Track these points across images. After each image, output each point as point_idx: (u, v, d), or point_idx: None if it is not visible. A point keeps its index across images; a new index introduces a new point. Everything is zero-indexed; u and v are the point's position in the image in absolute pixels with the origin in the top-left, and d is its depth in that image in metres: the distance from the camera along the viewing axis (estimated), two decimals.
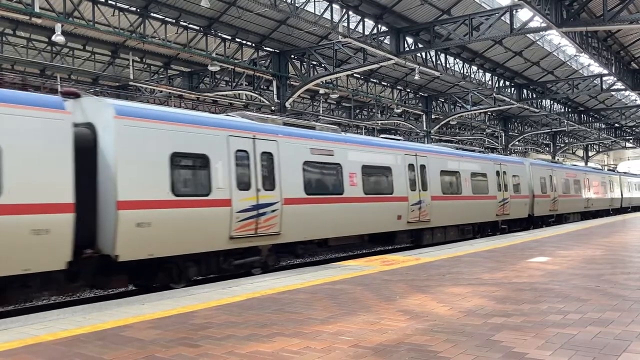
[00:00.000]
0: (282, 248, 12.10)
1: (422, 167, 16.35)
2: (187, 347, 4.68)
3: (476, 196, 19.09)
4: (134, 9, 19.93)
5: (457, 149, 20.28)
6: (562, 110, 42.01)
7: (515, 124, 48.31)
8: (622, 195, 40.14)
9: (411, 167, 15.89)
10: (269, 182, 11.46)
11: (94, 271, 9.18)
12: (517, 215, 22.15)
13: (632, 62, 30.60)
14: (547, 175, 25.54)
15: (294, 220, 11.85)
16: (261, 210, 11.08)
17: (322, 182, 12.97)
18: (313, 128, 13.91)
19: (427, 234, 16.46)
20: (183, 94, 27.77)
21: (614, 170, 46.56)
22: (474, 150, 21.59)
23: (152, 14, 20.41)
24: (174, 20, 21.27)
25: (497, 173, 20.65)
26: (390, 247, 17.17)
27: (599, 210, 34.41)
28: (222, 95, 29.01)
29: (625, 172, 48.23)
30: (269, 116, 13.68)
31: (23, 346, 4.84)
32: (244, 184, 10.88)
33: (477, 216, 19.38)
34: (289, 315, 5.84)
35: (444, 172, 17.49)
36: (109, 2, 19.34)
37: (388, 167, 15.03)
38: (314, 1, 19.42)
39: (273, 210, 11.36)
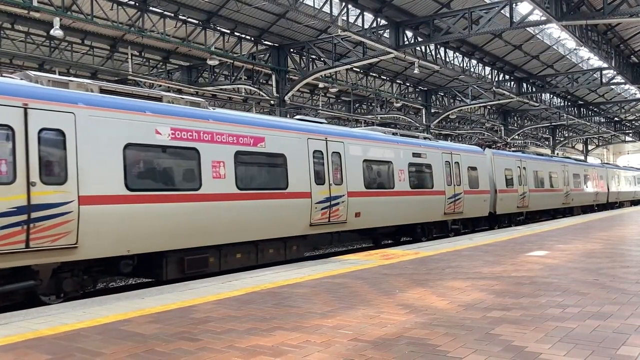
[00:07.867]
0: None
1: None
2: (187, 341, 4.69)
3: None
4: (132, 2, 19.87)
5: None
6: (562, 104, 42.00)
7: (515, 117, 48.27)
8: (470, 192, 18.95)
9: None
10: None
11: None
12: None
13: (632, 56, 30.58)
14: None
15: None
16: None
17: None
18: None
19: None
20: (182, 88, 27.68)
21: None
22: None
23: (150, 8, 20.34)
24: (172, 14, 21.21)
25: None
26: (390, 242, 17.17)
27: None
28: (221, 89, 28.96)
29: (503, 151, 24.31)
30: None
31: (23, 340, 4.84)
32: None
33: None
34: (288, 310, 5.85)
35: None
36: None
37: None
38: None
39: None
